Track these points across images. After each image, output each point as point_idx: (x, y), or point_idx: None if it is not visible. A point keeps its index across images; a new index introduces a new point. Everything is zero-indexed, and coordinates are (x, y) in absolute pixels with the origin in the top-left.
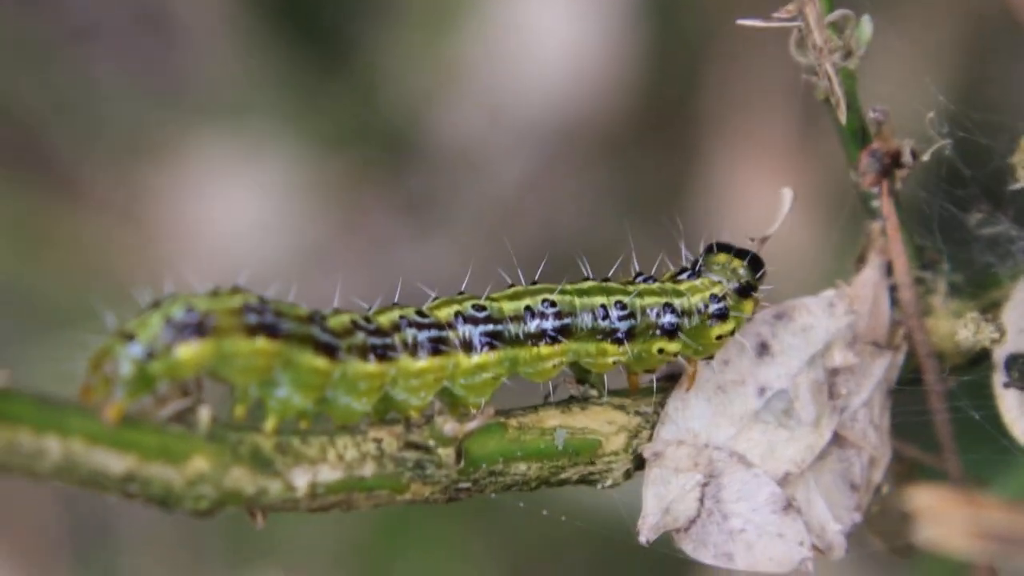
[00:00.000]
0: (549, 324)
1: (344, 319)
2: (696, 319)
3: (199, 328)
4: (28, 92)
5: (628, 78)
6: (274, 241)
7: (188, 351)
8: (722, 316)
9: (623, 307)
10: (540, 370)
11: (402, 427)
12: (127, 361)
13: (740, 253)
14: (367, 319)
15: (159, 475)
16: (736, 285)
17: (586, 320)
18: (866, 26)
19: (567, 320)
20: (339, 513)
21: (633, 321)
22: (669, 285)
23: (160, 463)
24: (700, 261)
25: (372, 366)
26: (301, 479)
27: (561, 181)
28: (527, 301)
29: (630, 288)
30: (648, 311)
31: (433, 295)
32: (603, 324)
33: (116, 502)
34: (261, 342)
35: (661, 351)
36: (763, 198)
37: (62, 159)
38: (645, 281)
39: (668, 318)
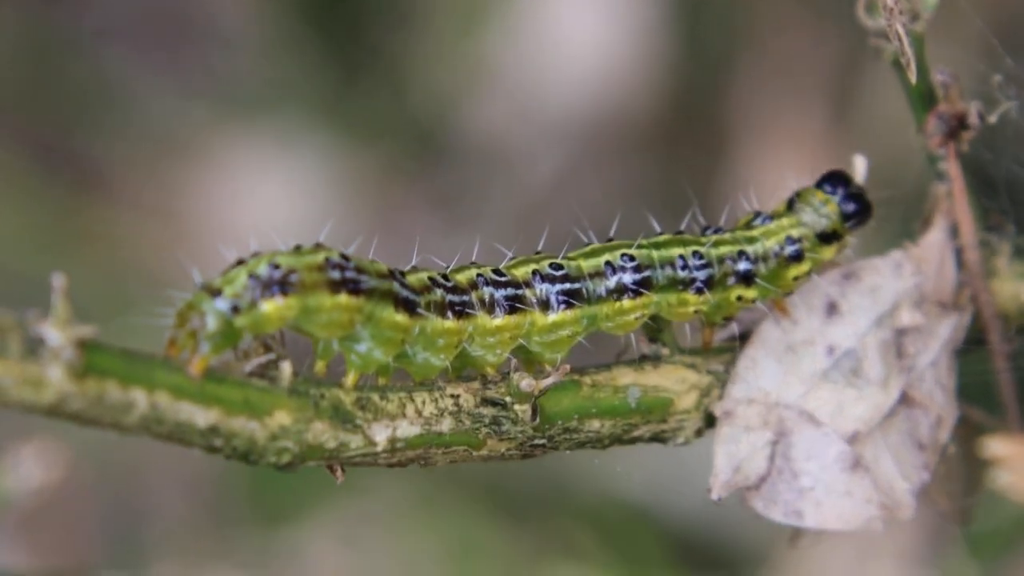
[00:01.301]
0: (629, 278)
1: (422, 276)
2: (772, 262)
3: (283, 283)
4: (59, 90)
5: (656, 75)
6: (305, 236)
7: (273, 306)
8: (798, 257)
9: (700, 256)
10: (622, 323)
11: (479, 383)
12: (213, 315)
13: (852, 194)
14: (445, 277)
15: (242, 428)
16: (820, 228)
17: (666, 271)
18: None
19: (647, 273)
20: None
21: (711, 270)
22: (741, 233)
23: (243, 417)
24: (796, 196)
25: (450, 322)
26: (381, 434)
27: (590, 178)
28: (606, 257)
29: (703, 239)
30: (725, 259)
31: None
32: (682, 274)
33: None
34: (344, 297)
35: (740, 298)
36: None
37: (94, 157)
38: (716, 232)
39: (743, 265)
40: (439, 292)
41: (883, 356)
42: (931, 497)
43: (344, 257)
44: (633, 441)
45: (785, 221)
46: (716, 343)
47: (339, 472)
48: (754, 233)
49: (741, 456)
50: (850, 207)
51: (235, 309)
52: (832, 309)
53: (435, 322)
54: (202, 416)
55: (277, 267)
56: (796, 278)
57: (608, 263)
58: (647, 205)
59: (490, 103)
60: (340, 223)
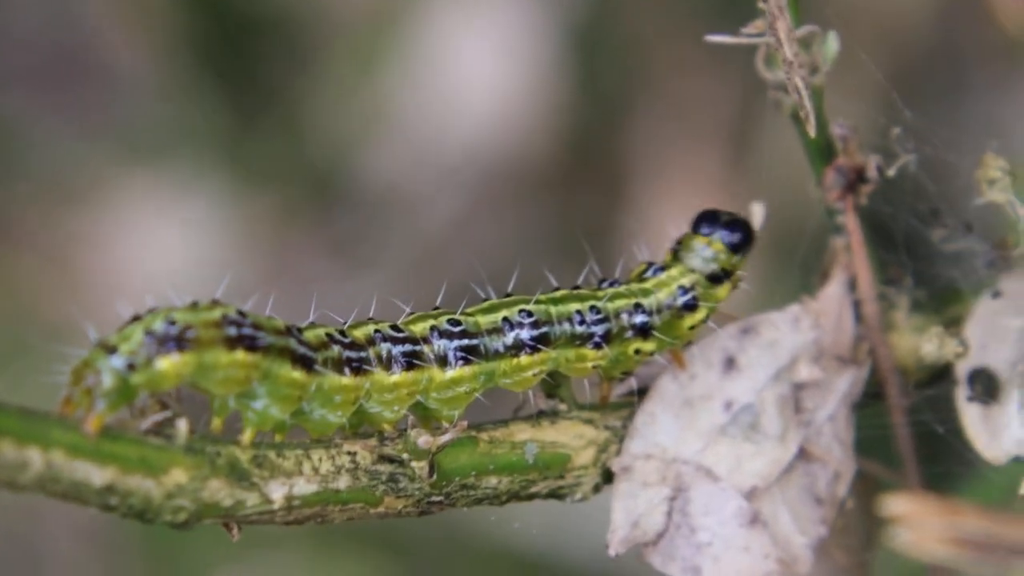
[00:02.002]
0: (527, 333)
1: (319, 332)
2: (667, 314)
3: (179, 340)
4: None
5: (553, 118)
6: (203, 283)
7: (169, 363)
8: (692, 306)
9: (597, 311)
10: (520, 380)
11: (376, 440)
12: (108, 373)
13: (729, 223)
14: (342, 333)
15: (139, 487)
16: (709, 271)
17: (564, 327)
18: (832, 42)
19: (545, 329)
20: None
21: (608, 324)
22: (636, 285)
23: (140, 475)
24: (679, 244)
25: (347, 379)
26: (277, 492)
27: (488, 222)
28: (504, 312)
29: (600, 293)
30: (621, 313)
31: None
32: (580, 329)
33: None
34: (240, 354)
35: (638, 351)
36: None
37: None
38: (611, 285)
39: (640, 318)
40: (336, 348)
41: (781, 410)
42: (829, 552)
43: (241, 313)
44: (531, 497)
45: (675, 271)
46: (614, 398)
47: (235, 530)
48: (647, 285)
49: (639, 511)
50: (734, 238)
51: (131, 366)
52: (730, 364)
53: (332, 379)
54: (98, 475)
55: (173, 323)
56: (693, 327)
57: (506, 319)
58: (545, 249)
59: (388, 147)
60: (237, 268)
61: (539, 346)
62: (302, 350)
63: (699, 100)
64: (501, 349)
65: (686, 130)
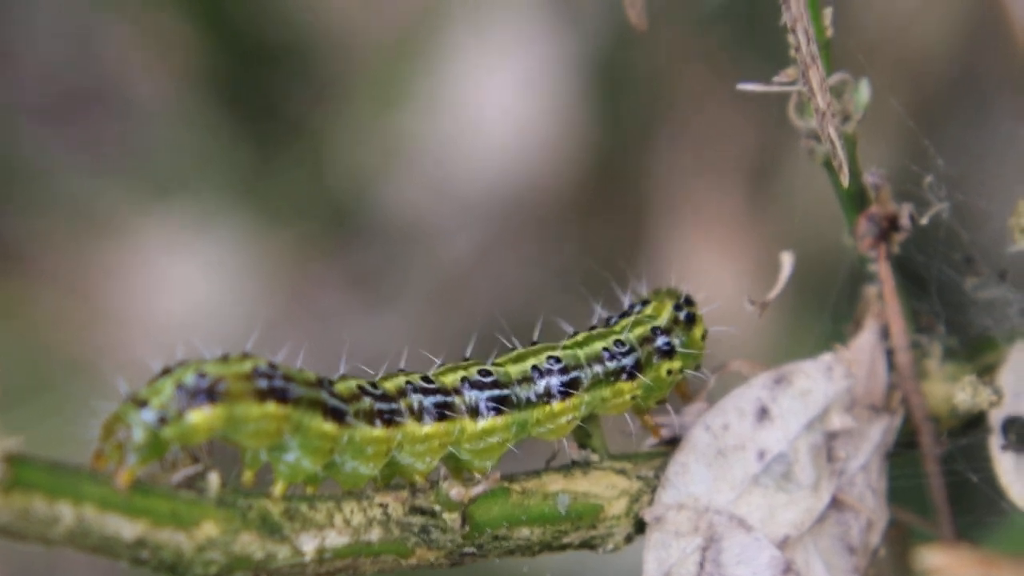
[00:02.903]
0: (557, 380)
1: (351, 384)
2: (679, 330)
3: (210, 393)
4: None
5: (575, 151)
6: (223, 316)
7: (200, 416)
8: (691, 321)
9: (622, 344)
10: (554, 428)
11: (408, 492)
12: (139, 427)
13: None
14: (373, 384)
15: (170, 541)
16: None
17: (594, 368)
18: (864, 90)
19: (575, 373)
20: None
21: (637, 354)
22: (643, 315)
23: (171, 528)
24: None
25: (379, 431)
26: (309, 544)
27: (509, 255)
28: (532, 361)
29: (617, 327)
30: (644, 341)
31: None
32: (611, 365)
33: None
34: (271, 407)
35: (669, 372)
36: (712, 268)
37: (10, 234)
38: (621, 318)
39: (661, 339)
40: (367, 400)
41: (814, 460)
42: None
43: (271, 365)
44: (563, 548)
45: (649, 309)
46: (648, 447)
47: None
48: (648, 311)
49: (671, 562)
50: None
51: (162, 420)
52: (763, 414)
53: (364, 430)
54: (129, 528)
55: (204, 376)
56: (670, 372)
57: (535, 367)
58: (566, 282)
59: (409, 181)
60: (257, 302)
61: (570, 391)
62: (333, 402)
63: (721, 133)
64: (533, 398)
65: (707, 163)
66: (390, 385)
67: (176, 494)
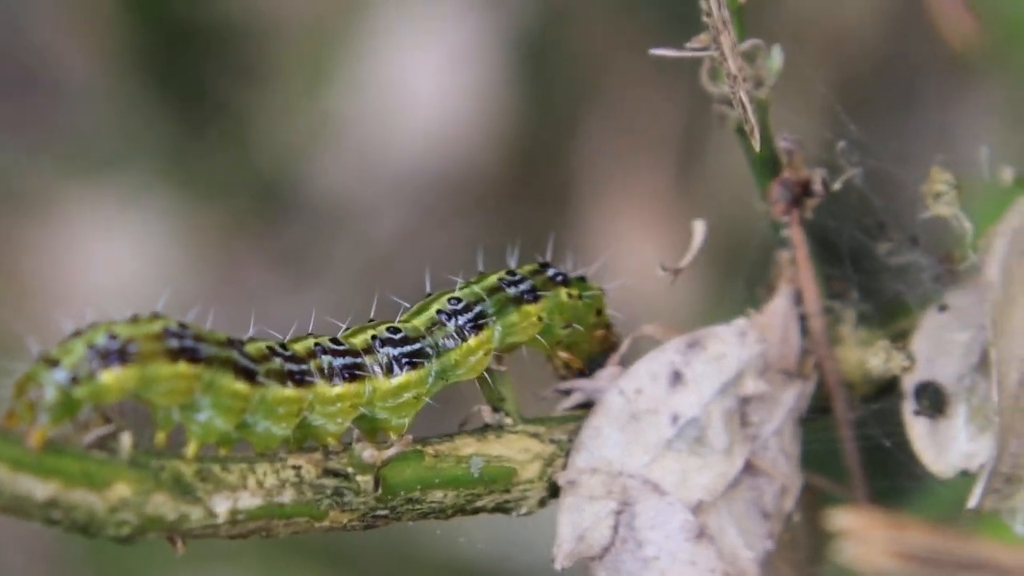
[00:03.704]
0: (463, 318)
1: (260, 345)
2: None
3: (121, 354)
4: None
5: (501, 131)
6: (148, 292)
7: (111, 376)
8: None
9: (513, 274)
10: (472, 365)
11: (321, 454)
12: (51, 387)
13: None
14: (283, 346)
15: (82, 501)
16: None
17: (495, 297)
18: (776, 56)
19: (479, 307)
20: None
21: (531, 281)
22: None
23: (83, 489)
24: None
25: (290, 391)
26: (222, 506)
27: (436, 234)
28: (435, 307)
29: (506, 269)
30: (534, 273)
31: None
32: (511, 291)
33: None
34: (182, 366)
35: (569, 296)
36: (639, 247)
37: None
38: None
39: (551, 271)
40: (278, 361)
41: (727, 424)
42: (776, 566)
43: (182, 325)
44: (476, 511)
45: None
46: (561, 412)
47: (179, 544)
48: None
49: (585, 525)
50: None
51: (74, 380)
52: (676, 377)
53: (275, 390)
54: (41, 489)
55: (115, 337)
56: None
57: (439, 311)
58: (492, 262)
59: (335, 159)
60: (183, 280)
61: (480, 322)
62: (244, 362)
63: (647, 114)
64: (448, 343)
65: (633, 143)
66: (299, 347)
67: (88, 455)
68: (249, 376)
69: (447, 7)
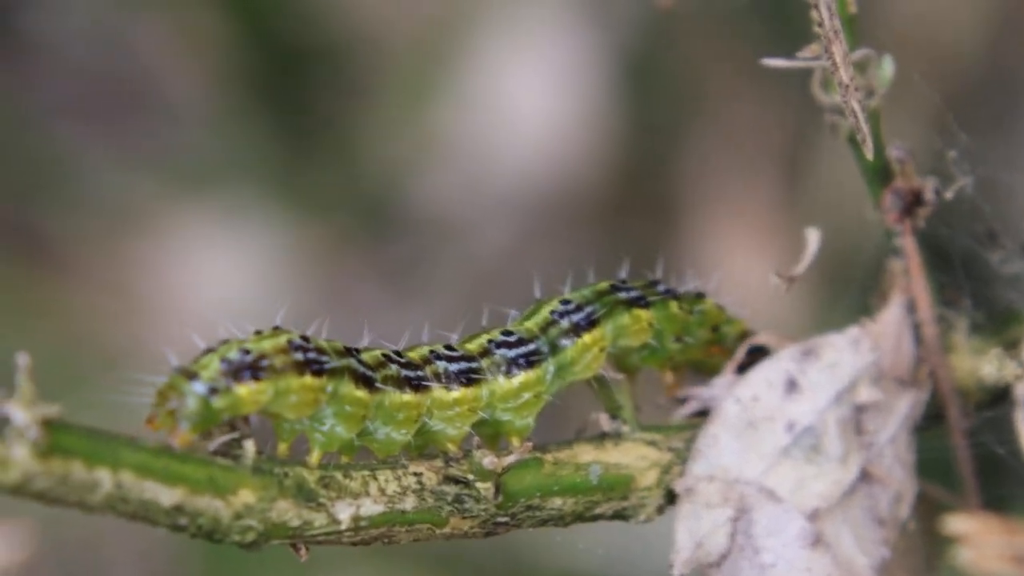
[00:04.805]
0: (577, 316)
1: (376, 353)
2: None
3: (254, 368)
4: (9, 165)
5: (605, 146)
6: (258, 309)
7: (247, 389)
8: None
9: (624, 282)
10: (588, 363)
11: (441, 461)
12: (192, 397)
13: None
14: (398, 353)
15: (207, 507)
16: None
17: (604, 299)
18: (888, 65)
19: (589, 309)
20: None
21: (641, 292)
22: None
23: (208, 495)
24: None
25: (408, 396)
26: (344, 512)
27: (540, 250)
28: (547, 309)
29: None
30: (648, 285)
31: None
32: (622, 296)
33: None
34: (308, 378)
35: (679, 308)
36: (745, 262)
37: (44, 230)
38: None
39: (661, 287)
40: (394, 367)
41: (842, 433)
42: (891, 573)
43: (304, 338)
44: (595, 518)
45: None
46: (678, 419)
47: (303, 551)
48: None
49: (702, 533)
50: None
51: (212, 391)
52: (792, 386)
53: (393, 396)
54: (167, 495)
55: (248, 352)
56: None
57: (552, 312)
58: (597, 278)
59: (440, 174)
60: (290, 296)
61: (592, 318)
62: (362, 369)
63: (752, 128)
64: (563, 342)
65: (738, 158)
66: (414, 354)
67: (213, 461)
68: (368, 383)
69: (552, 24)
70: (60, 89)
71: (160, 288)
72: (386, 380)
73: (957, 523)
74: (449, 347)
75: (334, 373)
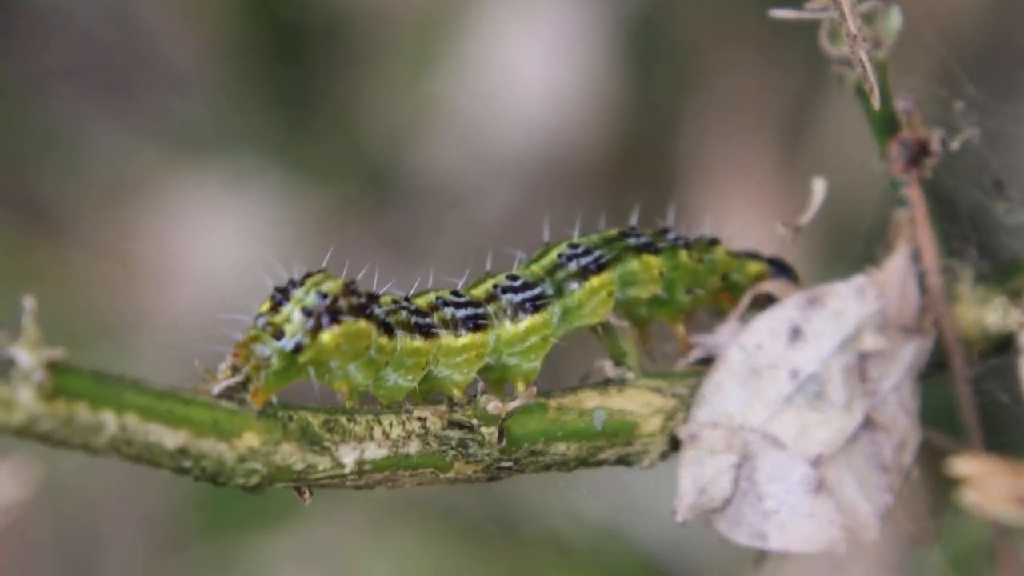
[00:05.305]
0: (585, 260)
1: (387, 299)
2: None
3: (332, 312)
4: (10, 132)
5: (606, 114)
6: (256, 275)
7: (330, 335)
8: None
9: (634, 228)
10: (595, 307)
11: (446, 406)
12: (277, 355)
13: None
14: (407, 299)
15: (212, 450)
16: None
17: (613, 245)
18: (895, 16)
19: (598, 252)
20: None
21: (651, 238)
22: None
23: (212, 438)
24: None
25: (419, 342)
26: (349, 456)
27: (540, 217)
28: (555, 252)
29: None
30: (656, 233)
31: None
32: (632, 242)
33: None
34: (363, 322)
35: (689, 257)
36: (746, 230)
37: (45, 197)
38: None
39: (671, 235)
40: (404, 313)
41: (847, 380)
42: (895, 520)
43: (352, 282)
44: (599, 464)
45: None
46: (683, 366)
47: (307, 494)
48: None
49: (706, 479)
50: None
51: (298, 348)
52: (796, 334)
53: (407, 342)
54: (171, 437)
55: (325, 296)
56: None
57: (560, 255)
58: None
59: (442, 143)
60: (292, 264)
61: (601, 261)
62: (384, 317)
63: (752, 97)
64: (567, 284)
65: (739, 127)
66: (421, 301)
67: (217, 404)
68: (389, 330)
69: None
70: (62, 57)
71: (160, 256)
72: (399, 326)
73: (962, 465)
74: (455, 293)
75: (372, 319)
